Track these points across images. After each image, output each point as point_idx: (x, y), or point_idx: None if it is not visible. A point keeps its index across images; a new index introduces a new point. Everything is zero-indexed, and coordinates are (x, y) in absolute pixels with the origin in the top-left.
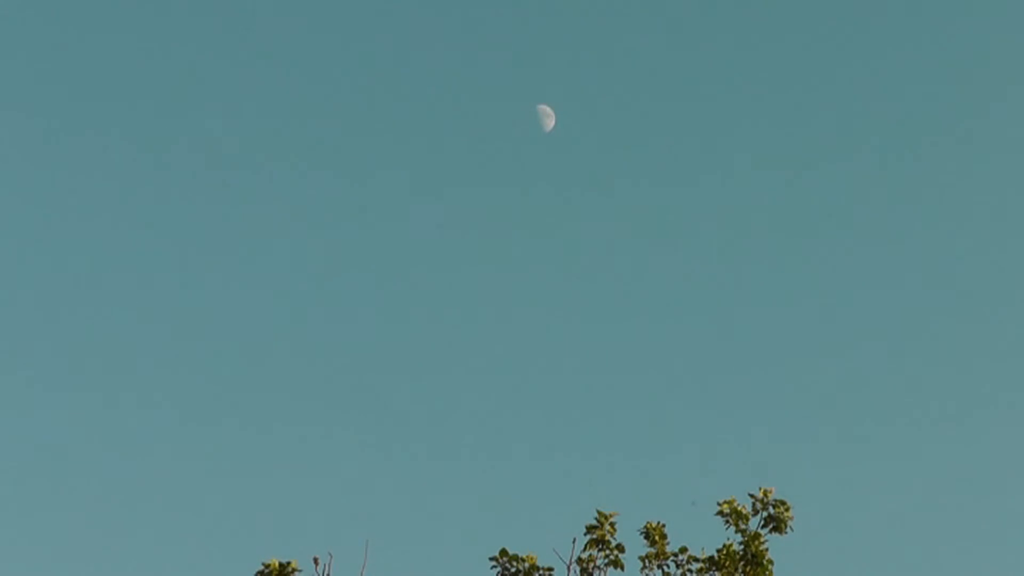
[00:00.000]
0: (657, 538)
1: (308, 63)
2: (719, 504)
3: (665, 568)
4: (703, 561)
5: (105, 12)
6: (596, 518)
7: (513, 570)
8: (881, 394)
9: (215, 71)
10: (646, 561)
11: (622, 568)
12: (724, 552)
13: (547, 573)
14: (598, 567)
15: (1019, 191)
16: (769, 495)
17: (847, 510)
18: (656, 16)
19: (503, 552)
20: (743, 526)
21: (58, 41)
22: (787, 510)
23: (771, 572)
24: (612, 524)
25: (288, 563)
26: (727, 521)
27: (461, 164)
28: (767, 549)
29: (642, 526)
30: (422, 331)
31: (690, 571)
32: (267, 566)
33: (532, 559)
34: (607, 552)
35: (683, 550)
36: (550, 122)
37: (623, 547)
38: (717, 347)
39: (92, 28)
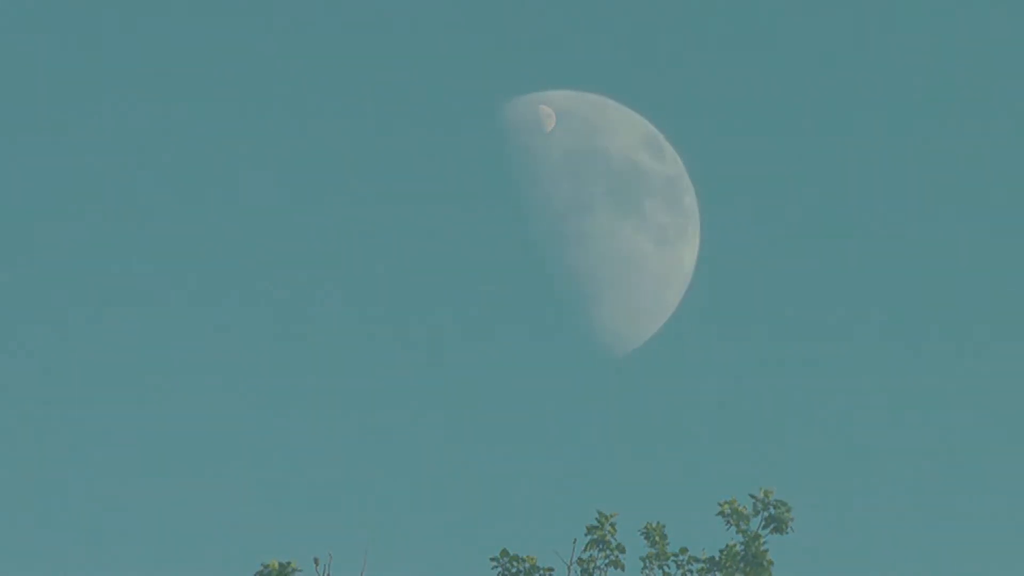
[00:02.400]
0: (657, 538)
1: (306, 60)
2: (719, 504)
3: (665, 569)
4: (704, 562)
5: (99, 11)
6: (596, 518)
7: (514, 571)
8: (882, 393)
9: (209, 69)
10: (646, 562)
11: (623, 568)
12: (726, 553)
13: (548, 573)
14: (599, 568)
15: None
16: (770, 495)
17: (847, 510)
18: (654, 16)
19: (504, 553)
20: (744, 527)
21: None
22: (787, 510)
23: (771, 573)
24: (612, 524)
25: (288, 563)
26: (728, 521)
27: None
28: (767, 550)
29: (642, 526)
30: (421, 330)
31: (690, 571)
32: (267, 566)
33: (533, 560)
34: (608, 553)
35: (683, 551)
36: (550, 122)
37: (624, 547)
38: (717, 346)
39: (87, 26)
